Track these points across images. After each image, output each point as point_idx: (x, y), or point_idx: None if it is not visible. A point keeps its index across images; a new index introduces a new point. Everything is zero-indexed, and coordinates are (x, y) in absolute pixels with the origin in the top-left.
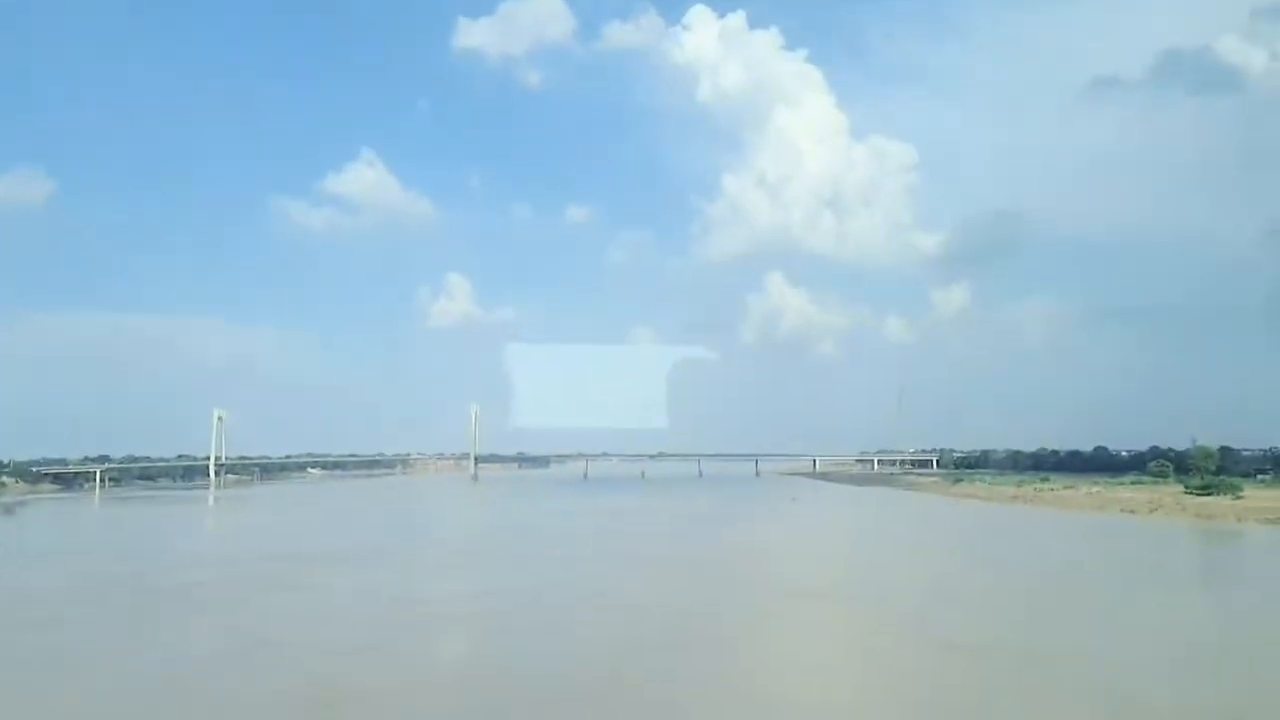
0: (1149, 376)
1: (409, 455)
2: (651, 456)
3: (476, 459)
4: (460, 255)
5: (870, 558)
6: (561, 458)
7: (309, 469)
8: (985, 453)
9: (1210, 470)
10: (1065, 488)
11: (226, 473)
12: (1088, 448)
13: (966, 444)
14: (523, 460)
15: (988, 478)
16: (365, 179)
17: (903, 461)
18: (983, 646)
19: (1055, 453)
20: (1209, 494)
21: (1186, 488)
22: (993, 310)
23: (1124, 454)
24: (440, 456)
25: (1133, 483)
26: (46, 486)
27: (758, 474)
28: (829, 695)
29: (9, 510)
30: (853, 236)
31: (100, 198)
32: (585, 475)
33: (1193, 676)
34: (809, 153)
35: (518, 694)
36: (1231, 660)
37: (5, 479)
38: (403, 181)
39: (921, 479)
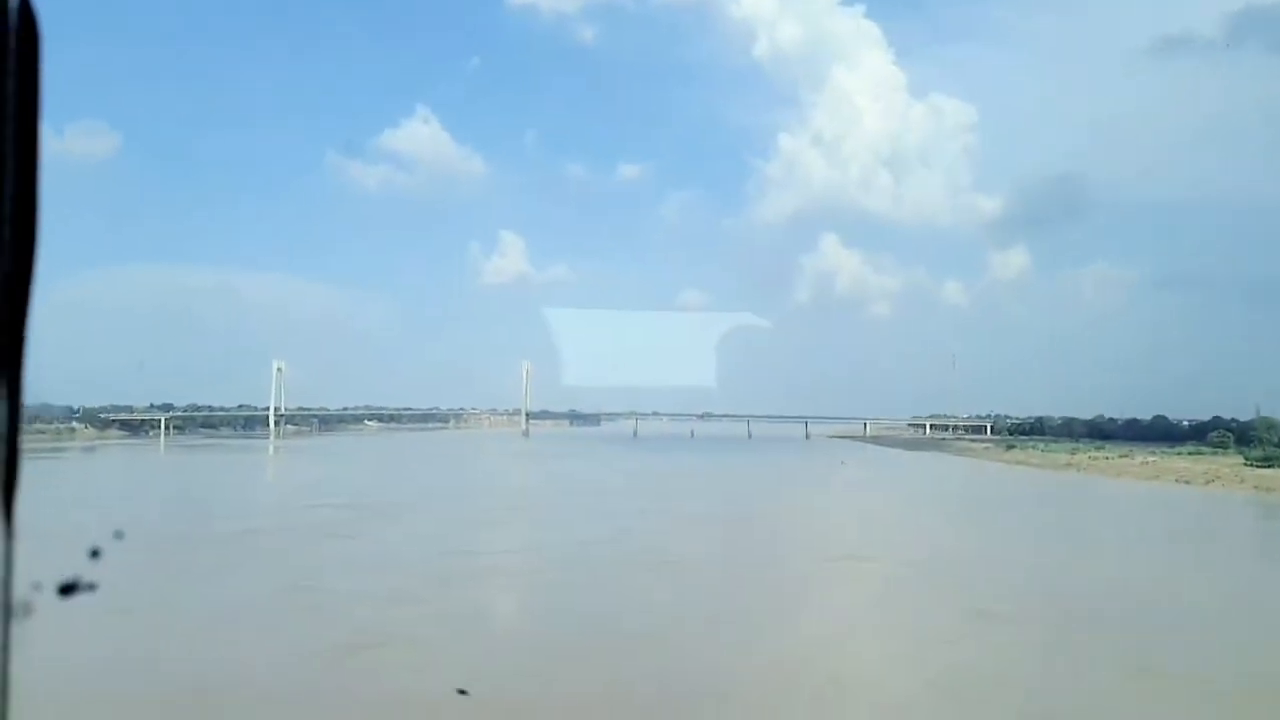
0: (1213, 344)
1: (462, 410)
2: (700, 417)
3: (528, 415)
4: (513, 213)
5: (915, 523)
6: (612, 416)
7: (366, 421)
8: (1040, 419)
9: (1273, 442)
10: (1120, 456)
11: (286, 423)
12: (1146, 417)
13: (1022, 410)
14: (574, 417)
15: (1041, 444)
16: (420, 136)
17: (956, 427)
18: (1013, 615)
19: (1113, 421)
20: (1270, 466)
21: (1246, 459)
22: (1052, 274)
23: (1184, 424)
24: (493, 412)
25: (1191, 453)
26: (114, 432)
27: (807, 436)
28: (844, 665)
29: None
30: (910, 197)
31: (163, 152)
32: (635, 434)
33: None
34: (866, 111)
35: (557, 642)
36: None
37: (75, 425)
38: (457, 139)
39: (974, 445)
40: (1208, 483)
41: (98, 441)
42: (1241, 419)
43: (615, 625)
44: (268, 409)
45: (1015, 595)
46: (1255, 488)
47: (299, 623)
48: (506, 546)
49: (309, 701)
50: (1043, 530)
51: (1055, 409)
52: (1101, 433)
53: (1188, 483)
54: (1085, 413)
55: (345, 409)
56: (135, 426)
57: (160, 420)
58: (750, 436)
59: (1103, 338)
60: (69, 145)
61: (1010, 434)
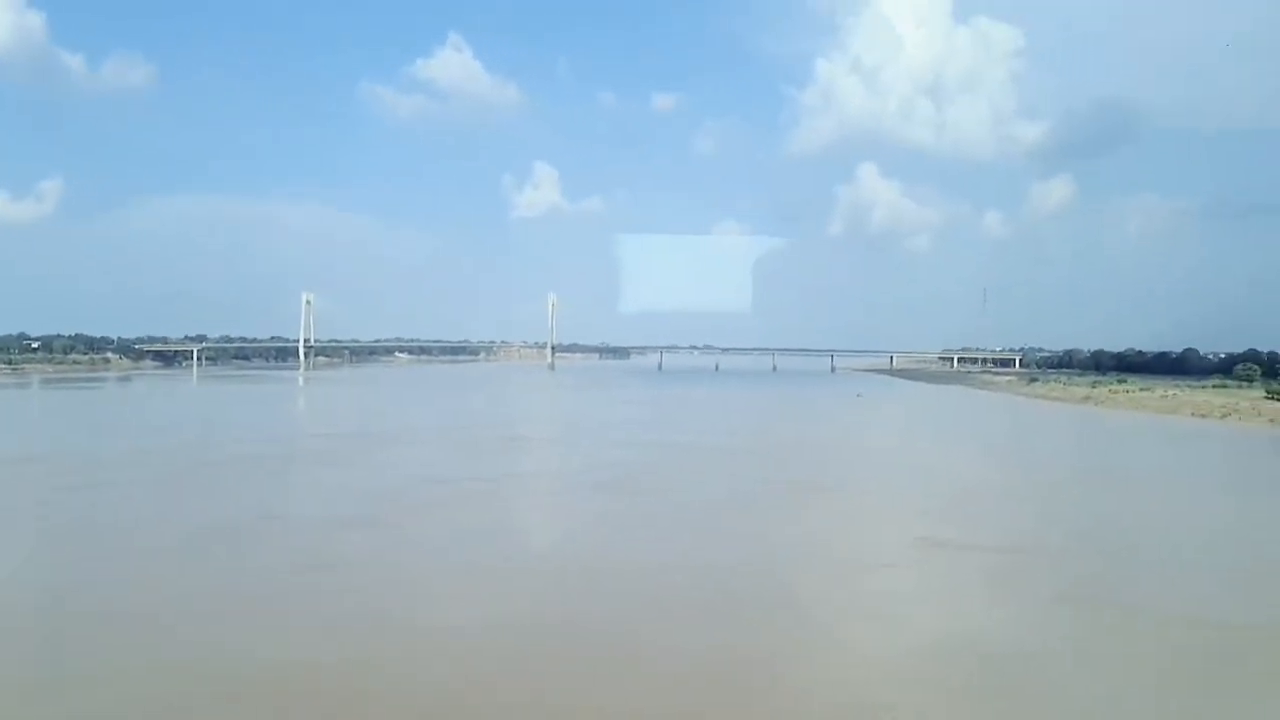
0: (1257, 277)
1: (493, 343)
2: (724, 350)
3: (554, 349)
4: (547, 144)
5: (899, 452)
6: (642, 349)
7: (396, 353)
8: (1069, 353)
9: None
10: (1141, 390)
11: (316, 355)
12: (1179, 350)
13: (1058, 344)
14: (604, 351)
15: (1063, 378)
16: (452, 64)
17: (985, 360)
18: (962, 543)
19: (1141, 354)
20: None
21: (1268, 393)
22: (1096, 205)
23: (1214, 357)
24: (524, 345)
25: (1215, 386)
26: (148, 363)
27: (833, 370)
28: (750, 587)
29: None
30: (951, 126)
31: (197, 83)
32: (660, 367)
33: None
34: (908, 36)
35: (502, 568)
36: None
37: (110, 355)
38: (489, 68)
39: (997, 378)
40: (1224, 416)
41: (133, 371)
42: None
43: (565, 544)
44: (299, 341)
45: (967, 526)
46: (1271, 421)
47: (259, 547)
48: (487, 475)
49: (234, 618)
50: (1027, 461)
51: (1090, 343)
52: (1130, 366)
53: (1204, 416)
54: (1119, 346)
55: (377, 341)
56: (169, 357)
57: (193, 351)
58: (775, 369)
59: (1145, 271)
60: (106, 77)
61: (1039, 367)
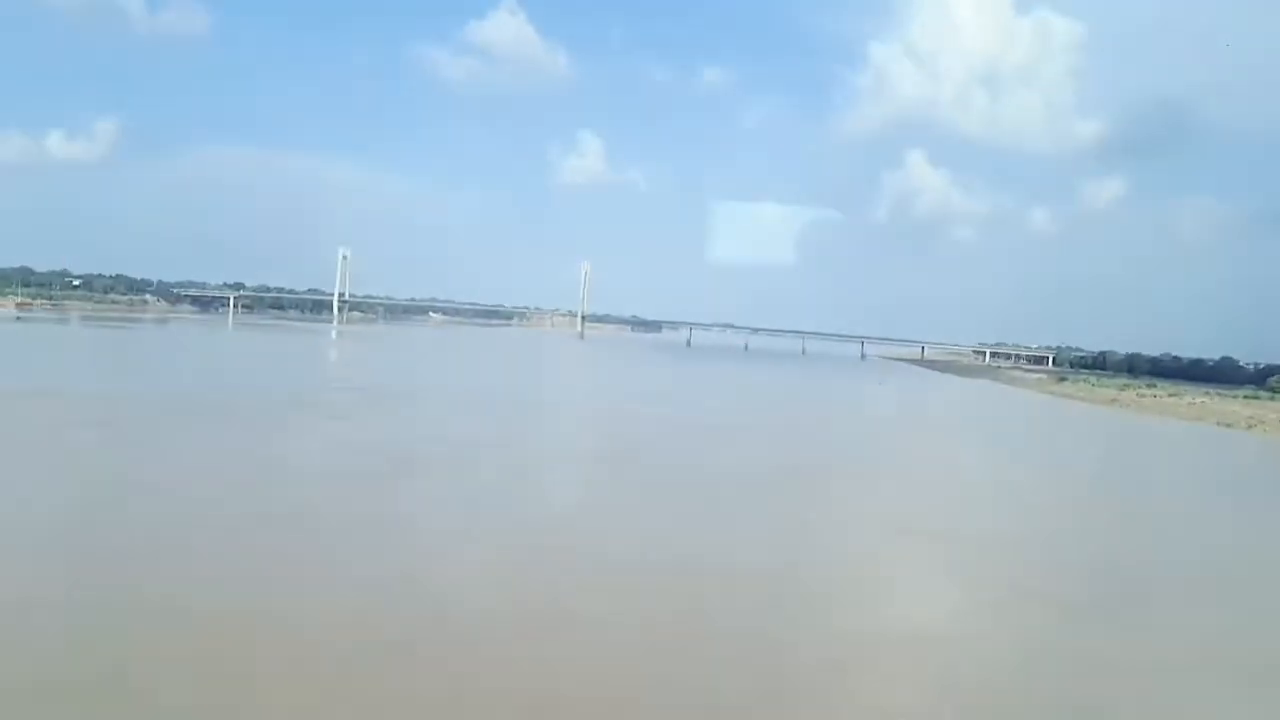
0: None
1: (526, 309)
2: (754, 331)
3: (584, 318)
4: (594, 112)
5: (902, 442)
6: (673, 324)
7: (431, 313)
8: (1103, 354)
9: None
10: (1169, 395)
11: (350, 310)
12: (1216, 357)
13: (1095, 344)
14: (635, 324)
15: (1093, 379)
16: (505, 28)
17: (1019, 357)
18: (937, 532)
19: (1177, 359)
20: None
21: None
22: (1148, 206)
23: (1252, 367)
24: (555, 312)
25: (1247, 397)
26: (185, 308)
27: (863, 357)
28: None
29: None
30: (1005, 118)
31: (251, 33)
32: (688, 343)
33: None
34: (966, 24)
35: (463, 534)
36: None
37: (149, 297)
38: (542, 32)
39: (1027, 375)
40: (1250, 427)
41: (169, 315)
42: None
43: (534, 510)
44: (334, 295)
45: (945, 517)
46: None
47: (236, 494)
48: (486, 439)
49: (202, 560)
50: (1035, 458)
51: (1128, 344)
52: (1163, 371)
53: (1229, 426)
54: (1156, 350)
55: (412, 300)
56: (206, 303)
57: (230, 298)
58: (804, 353)
59: (1192, 274)
60: (163, 22)
61: (1072, 367)
